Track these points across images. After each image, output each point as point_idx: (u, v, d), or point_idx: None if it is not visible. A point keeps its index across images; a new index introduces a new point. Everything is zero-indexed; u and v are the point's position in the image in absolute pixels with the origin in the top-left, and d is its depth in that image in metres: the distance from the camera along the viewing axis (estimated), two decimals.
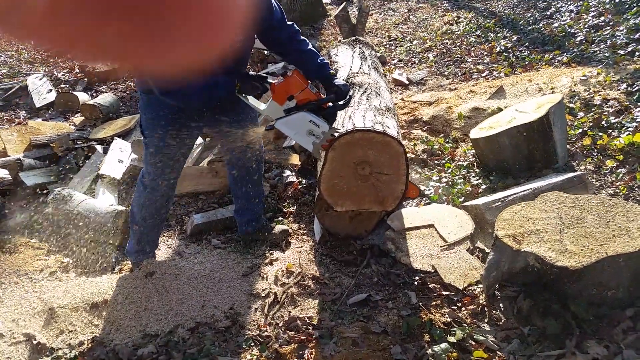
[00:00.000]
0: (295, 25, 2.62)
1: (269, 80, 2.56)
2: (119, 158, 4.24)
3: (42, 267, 3.06)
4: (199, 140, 3.51)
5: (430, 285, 2.62)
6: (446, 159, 3.98)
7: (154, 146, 2.63)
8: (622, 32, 5.64)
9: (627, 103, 4.01)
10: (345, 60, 3.68)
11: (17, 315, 2.58)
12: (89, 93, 6.29)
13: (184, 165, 2.83)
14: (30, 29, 0.41)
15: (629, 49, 5.18)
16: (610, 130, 3.76)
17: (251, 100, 2.57)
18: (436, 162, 3.96)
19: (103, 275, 3.01)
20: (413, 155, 3.98)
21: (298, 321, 2.45)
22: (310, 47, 2.63)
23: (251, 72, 2.62)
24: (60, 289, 2.82)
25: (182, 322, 2.51)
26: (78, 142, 4.58)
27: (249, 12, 0.47)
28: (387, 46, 8.05)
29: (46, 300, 2.70)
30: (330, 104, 2.55)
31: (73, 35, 0.41)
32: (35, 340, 2.41)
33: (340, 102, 2.57)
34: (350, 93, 2.66)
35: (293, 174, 3.98)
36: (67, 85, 6.59)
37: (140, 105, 2.67)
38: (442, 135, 4.37)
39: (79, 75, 7.05)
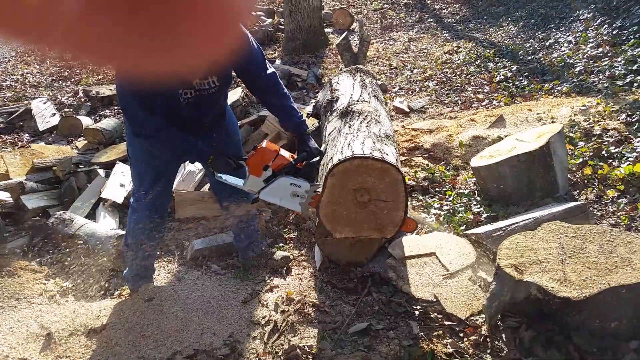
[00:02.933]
0: (276, 75, 2.68)
1: (243, 158, 2.64)
2: (120, 182, 4.25)
3: (41, 291, 3.04)
4: (199, 165, 3.52)
5: (432, 315, 2.60)
6: (447, 186, 3.99)
7: (138, 171, 2.73)
8: (620, 63, 5.72)
9: (627, 133, 4.04)
10: (346, 89, 3.72)
11: (14, 339, 2.55)
12: (93, 117, 6.34)
13: (171, 187, 2.87)
14: (57, 37, 0.42)
15: (627, 80, 5.24)
16: (610, 160, 3.78)
17: (228, 178, 2.64)
18: (437, 189, 3.97)
19: (102, 300, 2.99)
20: (414, 183, 3.99)
21: (298, 350, 2.42)
22: (291, 102, 2.72)
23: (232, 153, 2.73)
24: (58, 313, 2.79)
25: (180, 350, 2.48)
26: (80, 166, 4.59)
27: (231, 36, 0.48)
28: (388, 74, 8.15)
29: (44, 324, 2.67)
30: (305, 161, 2.64)
31: (98, 40, 0.42)
32: None
33: (315, 159, 2.67)
34: (323, 150, 2.76)
35: None
36: (71, 109, 6.65)
37: (126, 137, 2.78)
38: (443, 163, 4.39)
39: (83, 99, 7.12)
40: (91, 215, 3.91)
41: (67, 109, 6.67)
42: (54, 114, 6.31)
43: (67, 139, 5.79)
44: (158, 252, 3.24)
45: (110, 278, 3.28)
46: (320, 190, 2.64)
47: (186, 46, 0.45)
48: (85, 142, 5.47)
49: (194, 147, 2.52)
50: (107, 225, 3.69)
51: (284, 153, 2.59)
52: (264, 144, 2.59)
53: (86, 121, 5.97)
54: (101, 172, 4.50)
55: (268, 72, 2.62)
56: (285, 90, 2.73)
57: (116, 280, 3.24)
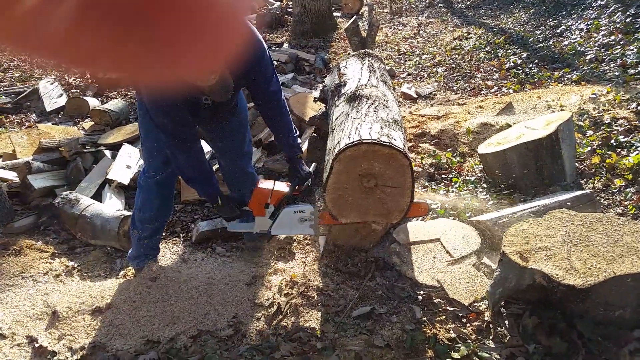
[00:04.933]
0: (281, 93, 2.70)
1: (247, 204, 2.73)
2: (127, 163, 4.26)
3: (46, 270, 3.06)
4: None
5: (435, 300, 2.60)
6: (454, 173, 3.97)
7: (148, 146, 2.75)
8: (632, 51, 5.64)
9: (637, 122, 3.99)
10: (354, 73, 3.68)
11: (20, 317, 2.58)
12: (99, 98, 6.33)
13: None
14: (52, 48, 0.41)
15: (639, 69, 5.17)
16: (619, 149, 3.74)
17: (238, 226, 2.83)
18: (443, 176, 3.95)
19: (107, 280, 3.01)
20: (420, 169, 3.97)
21: (301, 332, 2.43)
22: (290, 123, 2.77)
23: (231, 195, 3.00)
24: (63, 292, 2.82)
25: (184, 330, 2.50)
26: (87, 147, 4.60)
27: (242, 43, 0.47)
28: (397, 60, 8.08)
29: (49, 303, 2.70)
30: (298, 186, 2.75)
31: (95, 51, 0.41)
32: (37, 343, 2.41)
33: (307, 182, 2.78)
34: (310, 175, 2.83)
35: None
36: (78, 90, 6.64)
37: (138, 106, 2.78)
38: (450, 149, 4.37)
39: (90, 80, 7.11)
40: (97, 196, 3.92)
41: (74, 90, 6.67)
42: (61, 94, 6.31)
43: (74, 119, 5.80)
44: (163, 233, 3.25)
45: (115, 258, 3.30)
46: (322, 208, 2.75)
47: (188, 52, 0.44)
48: (92, 123, 5.47)
49: (208, 179, 2.62)
50: (113, 206, 3.70)
51: (279, 186, 2.70)
52: (259, 183, 2.73)
53: (93, 102, 5.96)
54: (107, 153, 4.50)
55: (273, 88, 2.62)
56: (287, 109, 2.75)
57: (121, 260, 3.26)
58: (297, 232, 2.78)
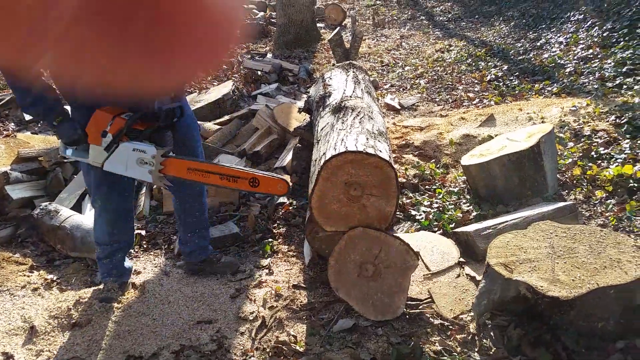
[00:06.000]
0: None
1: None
2: None
3: (24, 283, 2.98)
4: None
5: (420, 313, 2.59)
6: (437, 184, 3.99)
7: (89, 169, 2.57)
8: (610, 65, 5.76)
9: (616, 135, 4.07)
10: (339, 84, 3.69)
11: None
12: None
13: (132, 180, 2.68)
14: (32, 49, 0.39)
15: (617, 82, 5.28)
16: (599, 161, 3.80)
17: (72, 153, 2.43)
18: (427, 187, 3.97)
19: (87, 294, 2.94)
20: (404, 180, 3.99)
21: (285, 346, 2.40)
22: None
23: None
24: (42, 306, 2.74)
25: (166, 345, 2.45)
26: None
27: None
28: (380, 71, 8.14)
29: (27, 317, 2.62)
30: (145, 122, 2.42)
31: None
32: (13, 359, 2.34)
33: (166, 121, 2.45)
34: (171, 113, 2.49)
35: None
36: None
37: None
38: (433, 160, 4.39)
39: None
40: (77, 207, 3.84)
41: None
42: None
43: None
44: (131, 250, 3.17)
45: (96, 270, 3.23)
46: (173, 154, 2.45)
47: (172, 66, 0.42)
48: None
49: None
50: (93, 217, 3.63)
51: (126, 115, 2.37)
52: (98, 110, 2.35)
53: None
54: None
55: None
56: None
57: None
58: (132, 175, 2.36)
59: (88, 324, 2.58)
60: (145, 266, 3.22)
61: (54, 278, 3.10)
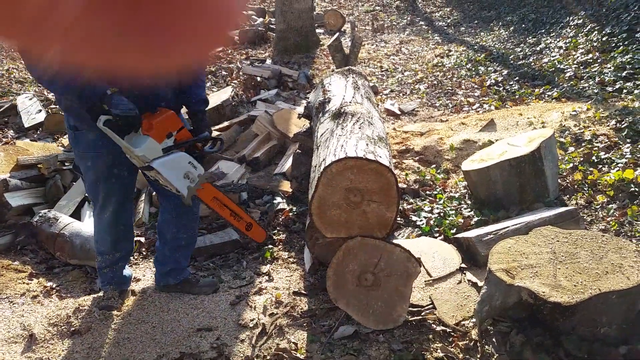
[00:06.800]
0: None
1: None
2: None
3: (23, 291, 2.97)
4: None
5: (422, 319, 2.58)
6: (438, 190, 3.98)
7: (90, 179, 2.55)
8: (609, 69, 5.76)
9: (616, 139, 4.06)
10: (339, 90, 3.69)
11: None
12: None
13: (131, 188, 2.71)
14: (55, 41, 0.39)
15: (617, 86, 5.28)
16: (600, 166, 3.79)
17: (121, 139, 2.27)
18: (428, 192, 3.96)
19: (86, 301, 2.92)
20: (405, 185, 3.98)
21: (286, 354, 2.39)
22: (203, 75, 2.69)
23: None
24: (41, 313, 2.73)
25: (166, 352, 2.44)
26: (66, 164, 4.51)
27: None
28: (379, 76, 8.14)
29: (26, 325, 2.61)
30: (202, 143, 2.53)
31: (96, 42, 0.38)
32: None
33: (211, 148, 2.60)
34: (220, 140, 2.70)
35: (284, 201, 3.95)
36: (58, 106, 6.55)
37: (70, 141, 2.60)
38: (434, 166, 4.38)
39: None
40: (76, 215, 3.83)
41: (53, 106, 6.57)
42: (40, 110, 6.20)
43: (53, 136, 5.70)
44: (131, 258, 3.16)
45: (95, 278, 3.22)
46: (206, 182, 2.50)
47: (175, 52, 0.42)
48: None
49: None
50: (92, 224, 3.62)
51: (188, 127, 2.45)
52: (172, 112, 2.35)
53: None
54: None
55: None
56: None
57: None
58: (173, 182, 2.29)
59: (88, 331, 2.57)
60: (144, 273, 3.21)
61: (54, 285, 3.08)
